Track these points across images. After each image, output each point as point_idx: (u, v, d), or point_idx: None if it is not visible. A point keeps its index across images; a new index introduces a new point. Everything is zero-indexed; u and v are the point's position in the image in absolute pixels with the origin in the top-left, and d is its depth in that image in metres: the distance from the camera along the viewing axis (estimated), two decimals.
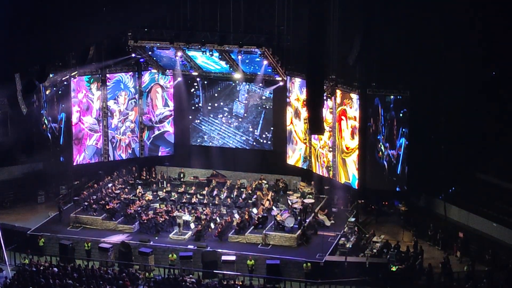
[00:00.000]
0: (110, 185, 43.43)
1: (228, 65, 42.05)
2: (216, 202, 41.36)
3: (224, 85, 44.75)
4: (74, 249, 38.71)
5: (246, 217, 39.49)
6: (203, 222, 39.30)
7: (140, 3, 30.69)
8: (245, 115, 44.69)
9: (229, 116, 45.01)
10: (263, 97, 44.29)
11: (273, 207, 40.56)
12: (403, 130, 38.95)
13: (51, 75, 40.95)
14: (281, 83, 42.97)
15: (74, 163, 43.89)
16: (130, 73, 44.75)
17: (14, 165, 44.77)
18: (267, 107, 44.33)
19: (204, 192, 42.48)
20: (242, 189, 42.83)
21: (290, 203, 40.95)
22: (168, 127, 45.92)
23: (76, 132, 43.67)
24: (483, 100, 37.56)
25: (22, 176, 44.94)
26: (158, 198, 42.43)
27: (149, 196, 42.55)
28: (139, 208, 40.70)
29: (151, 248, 37.84)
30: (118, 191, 42.79)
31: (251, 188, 42.82)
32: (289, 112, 43.38)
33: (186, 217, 39.51)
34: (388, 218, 41.42)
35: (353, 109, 39.76)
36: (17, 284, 34.10)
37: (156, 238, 38.81)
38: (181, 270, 36.48)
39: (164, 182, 44.47)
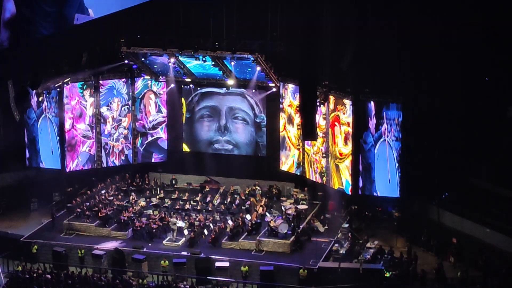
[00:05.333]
0: (103, 191, 43.37)
1: (221, 71, 42.06)
2: (210, 209, 41.35)
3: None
4: (67, 256, 38.61)
5: (240, 223, 39.48)
6: (196, 229, 39.27)
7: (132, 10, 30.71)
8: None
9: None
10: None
11: (267, 213, 40.55)
12: (396, 135, 38.97)
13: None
14: (274, 89, 43.02)
15: (67, 170, 43.78)
16: (123, 79, 44.70)
17: (7, 172, 44.65)
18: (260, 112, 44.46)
19: (198, 199, 42.46)
20: (235, 195, 42.81)
21: (284, 209, 40.95)
22: (161, 134, 45.88)
23: (69, 139, 43.58)
24: (476, 105, 37.62)
25: (15, 183, 44.82)
26: (151, 204, 42.39)
27: (142, 202, 42.49)
28: (132, 215, 40.66)
29: (145, 254, 37.77)
30: (111, 198, 42.74)
31: (245, 194, 42.80)
32: (282, 118, 43.38)
33: (180, 223, 39.46)
34: (382, 224, 41.42)
35: (346, 115, 39.78)
36: None
37: (150, 244, 38.76)
38: (175, 277, 36.42)
39: (158, 188, 44.44)
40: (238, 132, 44.81)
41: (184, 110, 45.38)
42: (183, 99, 45.27)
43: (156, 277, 36.80)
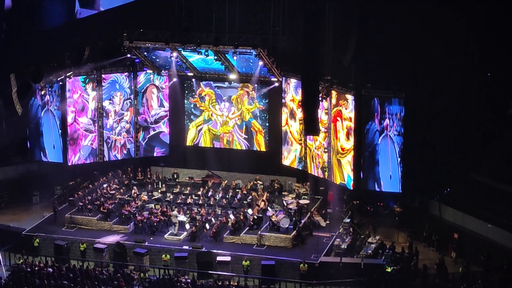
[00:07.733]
0: (105, 185, 43.43)
1: (223, 66, 42.05)
2: (211, 203, 41.38)
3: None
4: (69, 250, 38.68)
5: (241, 217, 39.50)
6: (198, 223, 39.30)
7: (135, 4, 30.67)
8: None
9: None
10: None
11: (268, 208, 40.56)
12: (398, 130, 38.96)
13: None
14: (276, 84, 43.02)
15: (69, 164, 43.83)
16: (126, 73, 44.72)
17: (9, 166, 44.73)
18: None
19: (199, 193, 42.48)
20: (237, 190, 42.84)
21: (285, 204, 40.96)
22: (163, 128, 45.91)
23: (71, 133, 43.61)
24: (478, 101, 37.62)
25: (17, 177, 44.94)
26: (153, 198, 42.42)
27: (144, 196, 42.52)
28: (134, 209, 40.69)
29: (146, 248, 37.82)
30: (113, 192, 42.78)
31: (246, 189, 42.81)
32: (285, 113, 43.39)
33: (181, 217, 39.50)
34: (383, 219, 41.43)
35: (348, 110, 39.78)
36: (12, 285, 34.04)
37: (151, 238, 38.80)
38: (176, 271, 36.47)
39: (159, 182, 44.47)
40: None
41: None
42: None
43: (158, 271, 36.85)
